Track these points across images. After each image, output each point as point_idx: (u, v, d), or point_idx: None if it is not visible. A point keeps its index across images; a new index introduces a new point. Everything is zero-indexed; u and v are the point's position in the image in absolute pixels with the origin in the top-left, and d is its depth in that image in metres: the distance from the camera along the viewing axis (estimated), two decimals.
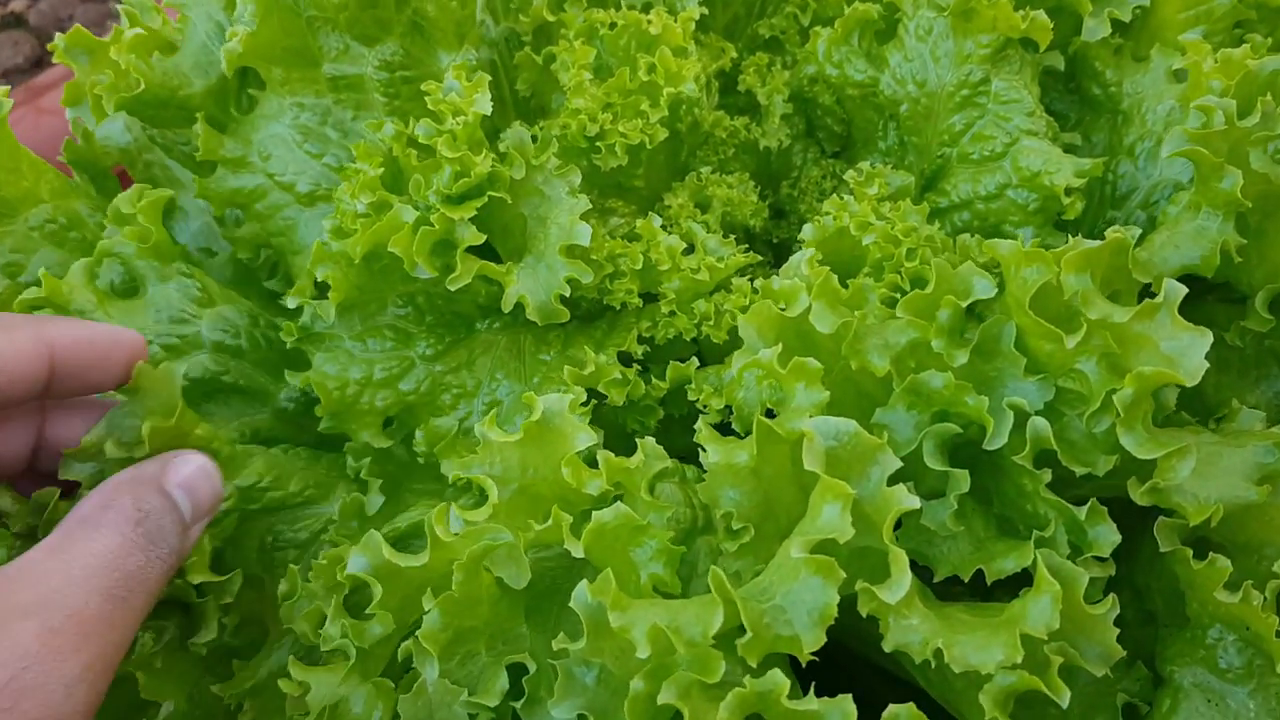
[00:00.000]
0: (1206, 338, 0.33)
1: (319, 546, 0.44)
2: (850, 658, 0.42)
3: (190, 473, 0.37)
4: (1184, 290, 0.34)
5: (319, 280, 0.43)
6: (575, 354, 0.45)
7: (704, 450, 0.38)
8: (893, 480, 0.33)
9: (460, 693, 0.35)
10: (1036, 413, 0.35)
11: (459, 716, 0.35)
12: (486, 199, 0.43)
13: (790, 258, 0.43)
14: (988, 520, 0.36)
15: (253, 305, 0.48)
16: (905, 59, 0.49)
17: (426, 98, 0.44)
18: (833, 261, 0.44)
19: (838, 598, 0.32)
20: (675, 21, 0.48)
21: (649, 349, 0.45)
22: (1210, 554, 0.35)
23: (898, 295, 0.42)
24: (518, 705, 0.35)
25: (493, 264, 0.42)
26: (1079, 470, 0.35)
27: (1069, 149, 0.48)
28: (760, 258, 0.47)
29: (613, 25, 0.49)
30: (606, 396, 0.43)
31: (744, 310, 0.43)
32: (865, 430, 0.34)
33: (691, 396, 0.43)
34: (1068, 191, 0.45)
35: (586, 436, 0.37)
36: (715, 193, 0.50)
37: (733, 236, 0.48)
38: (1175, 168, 0.46)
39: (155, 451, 0.38)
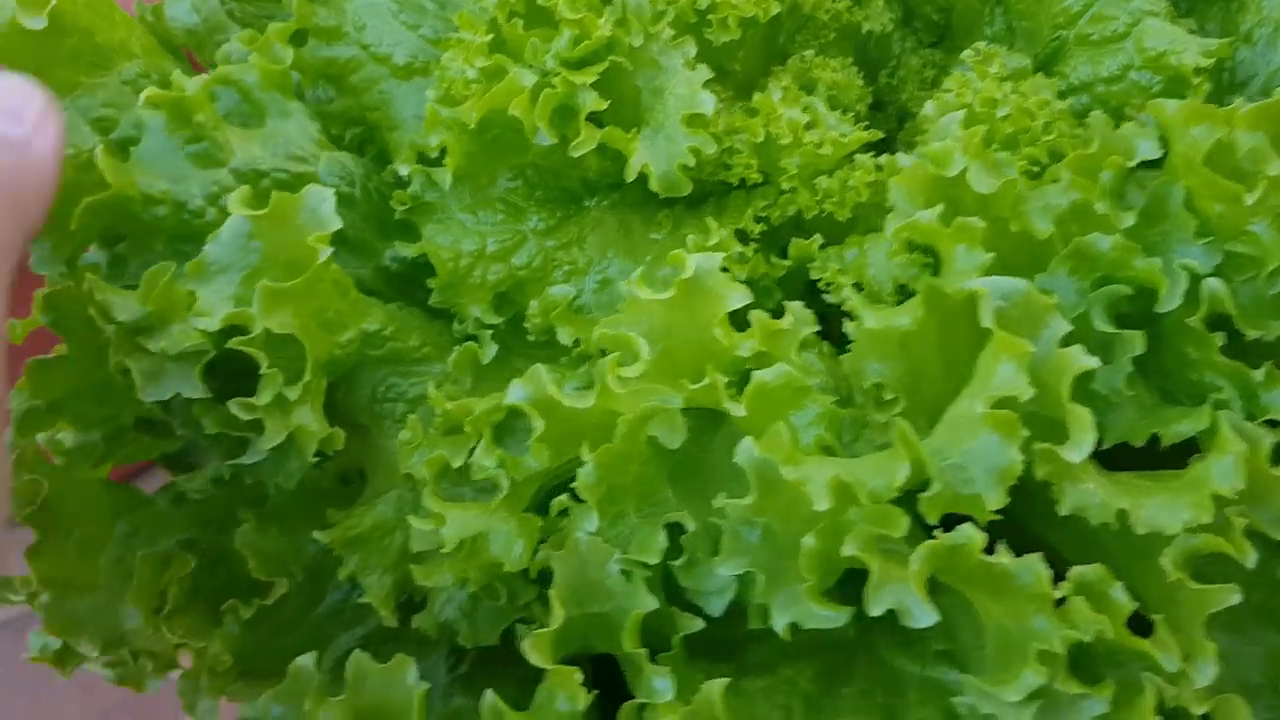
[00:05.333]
0: None
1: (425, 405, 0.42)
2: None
3: None
4: None
5: (435, 145, 0.42)
6: (687, 233, 0.44)
7: (851, 319, 0.37)
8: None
9: (614, 551, 0.34)
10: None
11: (612, 574, 0.34)
12: (608, 64, 0.41)
13: (941, 120, 0.41)
14: (1149, 389, 0.36)
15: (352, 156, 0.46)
16: None
17: None
18: None
19: (1020, 457, 0.31)
20: None
21: (765, 228, 0.44)
22: None
23: (1035, 169, 0.41)
24: (675, 564, 0.34)
25: (617, 130, 0.41)
26: (1251, 334, 0.34)
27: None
28: (882, 133, 0.46)
29: None
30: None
31: (870, 186, 0.42)
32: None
33: (814, 275, 0.42)
34: (1196, 72, 0.44)
35: (740, 296, 0.36)
36: (820, 75, 0.49)
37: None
38: None
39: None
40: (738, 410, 0.34)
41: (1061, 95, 0.47)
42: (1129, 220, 0.35)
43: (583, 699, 0.33)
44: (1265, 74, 0.46)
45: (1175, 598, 0.32)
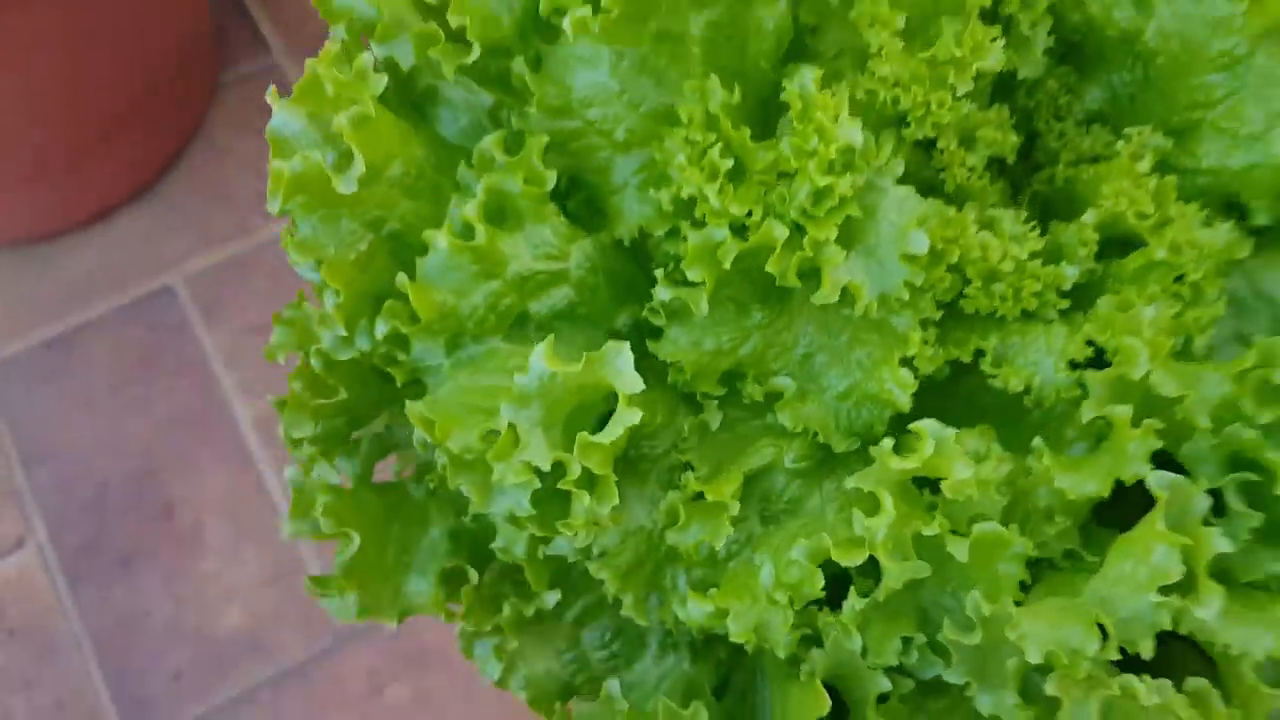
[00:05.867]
0: None
1: (669, 460, 0.52)
2: None
3: None
4: None
5: (691, 280, 0.48)
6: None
7: (1039, 457, 0.48)
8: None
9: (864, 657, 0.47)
10: None
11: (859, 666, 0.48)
12: (845, 216, 0.47)
13: (1140, 312, 0.48)
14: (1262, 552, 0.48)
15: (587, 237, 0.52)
16: (1175, 14, 0.52)
17: (792, 119, 0.46)
18: (1110, 239, 0.52)
19: (1169, 618, 0.44)
20: None
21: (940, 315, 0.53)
22: None
23: (1179, 304, 0.50)
24: (908, 662, 0.48)
25: (855, 283, 0.48)
26: None
27: None
28: (1041, 245, 0.52)
29: None
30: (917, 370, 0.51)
31: (1037, 295, 0.51)
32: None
33: (987, 370, 0.51)
34: None
35: (965, 466, 0.46)
36: (982, 134, 0.54)
37: (998, 184, 0.54)
38: None
39: None
40: (961, 554, 0.46)
41: (1188, 173, 0.54)
42: (1267, 417, 0.46)
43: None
44: None
45: (1250, 698, 0.47)
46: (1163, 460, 0.47)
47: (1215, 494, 0.47)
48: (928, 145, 0.55)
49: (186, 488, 1.30)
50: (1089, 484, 0.46)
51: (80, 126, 1.32)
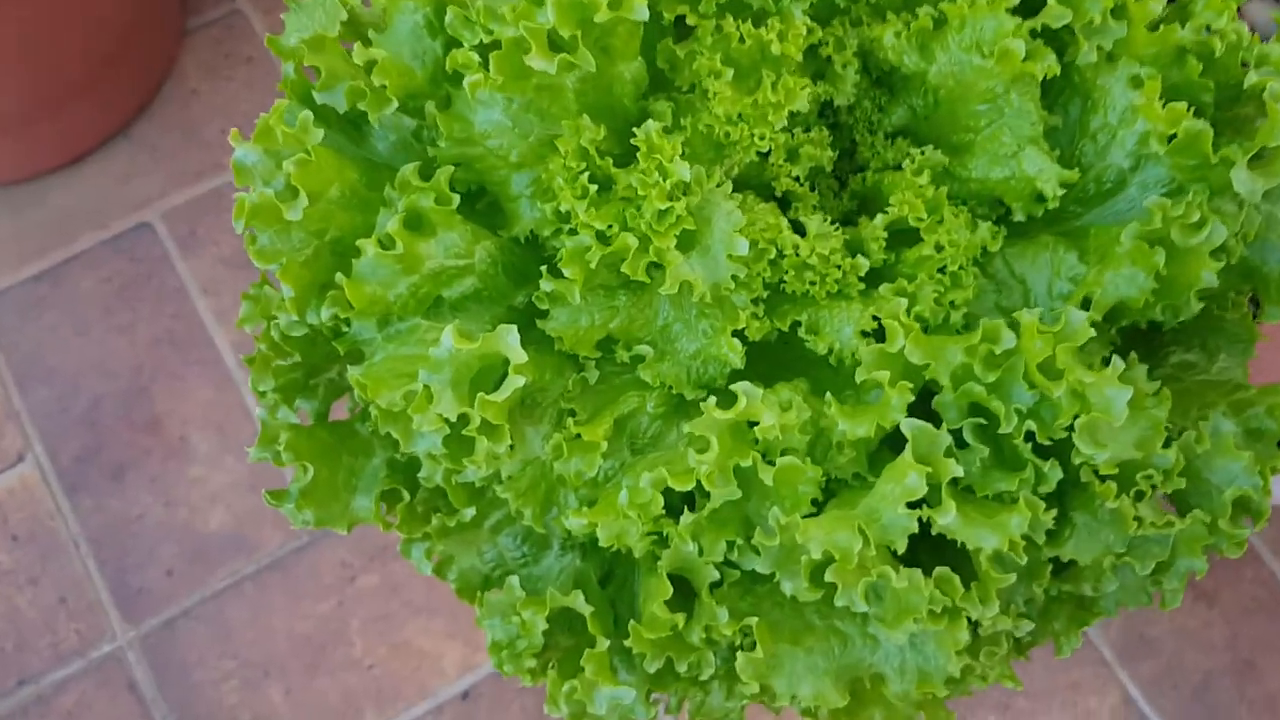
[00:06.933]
0: None
1: (558, 406, 0.67)
2: None
3: None
4: None
5: (565, 274, 0.63)
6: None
7: (829, 406, 0.64)
8: None
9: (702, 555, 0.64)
10: None
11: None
12: (681, 225, 0.62)
13: (895, 301, 0.64)
14: (988, 472, 0.64)
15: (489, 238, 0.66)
16: (950, 60, 0.67)
17: (638, 157, 0.61)
18: (901, 233, 0.67)
19: (916, 525, 0.60)
20: (789, 39, 0.64)
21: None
22: None
23: (942, 288, 0.65)
24: (732, 557, 0.64)
25: (696, 278, 0.63)
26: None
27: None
28: (840, 243, 0.67)
29: (742, 39, 0.64)
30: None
31: (839, 281, 0.66)
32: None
33: (806, 340, 0.67)
34: (1041, 198, 0.67)
35: (771, 415, 0.61)
36: (805, 151, 0.69)
37: (819, 188, 0.69)
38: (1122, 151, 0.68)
39: None
40: (768, 479, 0.62)
41: (961, 181, 0.69)
42: (991, 378, 0.61)
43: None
44: (1098, 168, 0.69)
45: (985, 581, 0.63)
46: (923, 409, 0.63)
47: (958, 433, 0.63)
48: (765, 155, 0.70)
49: (173, 403, 1.44)
50: (861, 428, 0.62)
51: (59, 75, 1.42)
